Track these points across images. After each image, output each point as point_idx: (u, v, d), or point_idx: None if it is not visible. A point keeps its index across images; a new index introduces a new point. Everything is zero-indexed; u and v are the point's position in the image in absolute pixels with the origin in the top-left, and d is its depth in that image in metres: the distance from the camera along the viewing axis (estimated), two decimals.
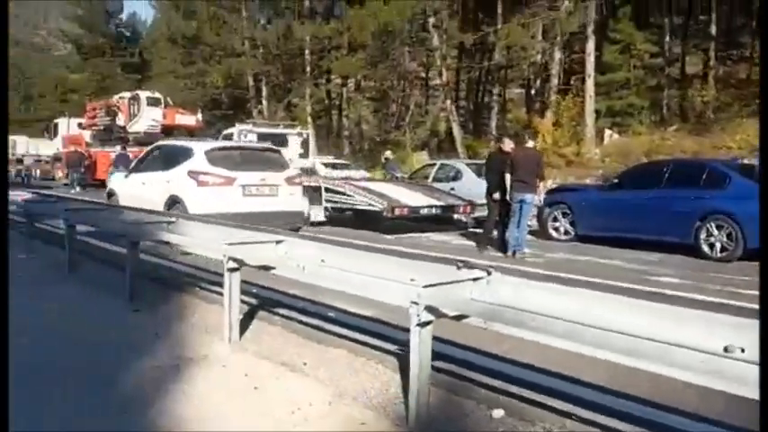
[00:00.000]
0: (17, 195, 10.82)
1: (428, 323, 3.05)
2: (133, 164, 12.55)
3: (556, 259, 8.99)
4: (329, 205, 12.60)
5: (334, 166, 20.06)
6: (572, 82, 25.42)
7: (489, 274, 3.20)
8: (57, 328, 5.13)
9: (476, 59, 31.30)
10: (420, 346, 3.06)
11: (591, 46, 21.03)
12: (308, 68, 32.90)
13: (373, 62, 29.10)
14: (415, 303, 3.00)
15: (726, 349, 2.20)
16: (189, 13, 38.95)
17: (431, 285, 2.99)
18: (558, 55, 24.31)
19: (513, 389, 3.60)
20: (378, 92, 34.56)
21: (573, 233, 10.88)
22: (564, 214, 11.01)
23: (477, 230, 11.85)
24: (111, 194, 11.88)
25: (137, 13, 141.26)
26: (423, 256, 3.80)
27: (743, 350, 2.16)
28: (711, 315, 2.33)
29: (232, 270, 4.40)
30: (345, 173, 18.94)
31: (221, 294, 5.91)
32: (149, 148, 12.64)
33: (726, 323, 2.28)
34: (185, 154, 10.12)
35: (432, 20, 25.19)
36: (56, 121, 33.13)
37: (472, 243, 10.46)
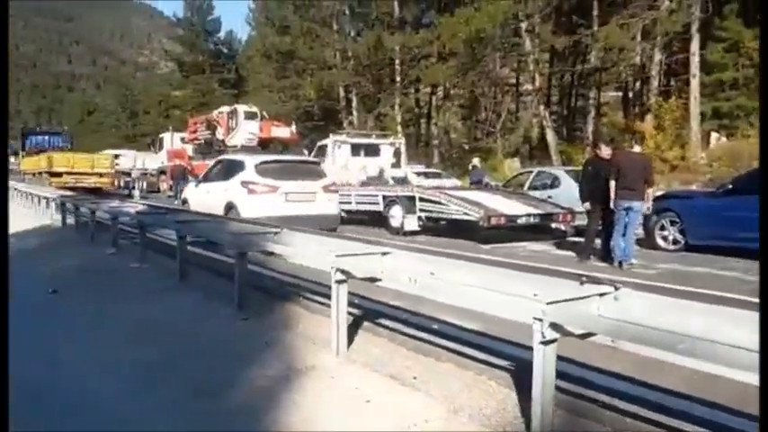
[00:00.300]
0: (130, 207, 11.36)
1: (552, 341, 2.90)
2: (201, 176, 13.97)
3: (668, 270, 8.50)
4: (423, 215, 12.55)
5: (425, 175, 20.05)
6: (672, 83, 24.26)
7: (617, 288, 3.01)
8: (170, 335, 5.30)
9: (568, 63, 30.50)
10: (544, 365, 2.91)
11: (695, 45, 19.96)
12: (398, 78, 33.09)
13: (464, 69, 28.88)
14: (539, 320, 2.86)
15: None
16: (283, 29, 40.18)
17: (556, 301, 2.85)
18: (657, 56, 23.26)
19: (643, 411, 3.38)
20: (467, 99, 34.28)
21: (682, 242, 10.28)
22: (672, 222, 10.43)
23: (576, 239, 11.45)
24: (184, 202, 13.43)
25: (233, 30, 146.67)
26: (539, 269, 3.65)
27: None
28: None
29: (340, 282, 4.39)
30: (437, 182, 18.88)
31: (324, 305, 5.98)
32: (213, 162, 14.31)
33: None
34: (239, 167, 11.74)
35: (524, 24, 24.73)
36: (161, 135, 34.80)
37: (572, 253, 10.08)
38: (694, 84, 20.08)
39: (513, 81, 33.90)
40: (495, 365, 4.17)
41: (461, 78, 29.87)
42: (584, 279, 3.18)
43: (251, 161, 11.85)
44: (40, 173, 28.89)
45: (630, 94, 28.61)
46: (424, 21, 33.20)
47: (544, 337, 2.86)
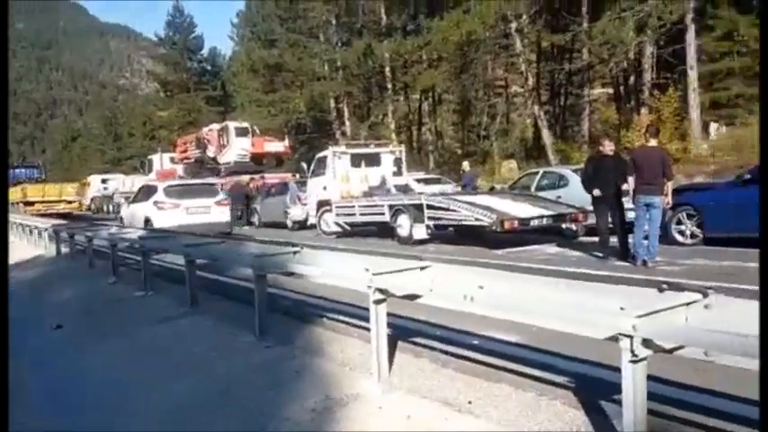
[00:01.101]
0: (131, 233, 10.96)
1: (643, 359, 2.60)
2: (132, 197, 18.27)
3: (694, 266, 8.19)
4: (431, 222, 12.21)
5: (425, 182, 19.77)
6: (665, 76, 24.03)
7: (705, 296, 2.71)
8: (192, 369, 4.96)
9: (556, 62, 30.30)
10: (634, 387, 2.60)
11: (691, 36, 19.74)
12: (389, 85, 32.83)
13: (455, 73, 28.63)
14: (628, 336, 2.56)
15: None
16: (269, 42, 39.90)
17: (647, 314, 2.54)
18: (649, 49, 23.07)
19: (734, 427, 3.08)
20: (459, 104, 34.04)
21: (700, 236, 10.00)
22: (689, 216, 10.16)
23: (588, 239, 11.20)
24: (121, 219, 17.62)
25: (217, 47, 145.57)
26: (599, 277, 3.35)
27: None
28: None
29: (378, 302, 4.05)
30: (438, 188, 18.59)
31: (350, 325, 5.65)
32: (139, 187, 18.91)
33: None
34: (154, 190, 15.88)
35: (513, 24, 24.51)
36: (149, 157, 34.49)
37: (591, 254, 9.77)
38: (692, 75, 19.81)
39: (503, 83, 33.69)
40: (553, 383, 3.85)
41: (453, 82, 29.60)
42: (663, 286, 2.88)
43: (161, 186, 16.10)
44: (17, 203, 31.26)
45: (622, 89, 28.45)
46: (413, 26, 32.90)
47: (635, 355, 2.56)
